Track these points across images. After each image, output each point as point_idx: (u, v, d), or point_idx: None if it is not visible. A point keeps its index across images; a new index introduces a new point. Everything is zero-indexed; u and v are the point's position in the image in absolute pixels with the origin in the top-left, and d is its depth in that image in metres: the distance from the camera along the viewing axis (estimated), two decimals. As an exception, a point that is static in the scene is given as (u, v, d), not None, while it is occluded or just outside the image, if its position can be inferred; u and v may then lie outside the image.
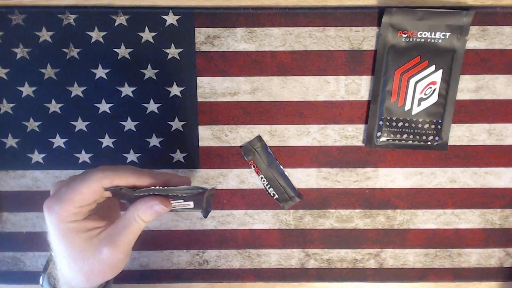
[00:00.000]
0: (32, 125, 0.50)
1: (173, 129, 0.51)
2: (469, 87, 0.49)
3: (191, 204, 0.39)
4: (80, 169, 0.51)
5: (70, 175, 0.38)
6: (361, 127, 0.51)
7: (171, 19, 0.48)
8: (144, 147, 0.51)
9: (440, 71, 0.48)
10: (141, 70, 0.49)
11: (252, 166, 0.51)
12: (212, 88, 0.50)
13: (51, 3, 0.47)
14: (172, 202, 0.38)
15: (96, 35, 0.48)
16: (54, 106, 0.50)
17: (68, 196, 0.35)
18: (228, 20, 0.48)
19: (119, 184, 0.36)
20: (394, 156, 0.51)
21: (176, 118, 0.50)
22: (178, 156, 0.51)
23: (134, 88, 0.50)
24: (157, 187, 0.36)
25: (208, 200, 0.39)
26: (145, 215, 0.36)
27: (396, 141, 0.50)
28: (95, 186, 0.35)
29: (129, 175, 0.36)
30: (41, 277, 0.42)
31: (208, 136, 0.51)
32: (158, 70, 0.49)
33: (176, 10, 0.47)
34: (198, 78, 0.49)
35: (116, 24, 0.48)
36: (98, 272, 0.37)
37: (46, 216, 0.35)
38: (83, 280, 0.37)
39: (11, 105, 0.50)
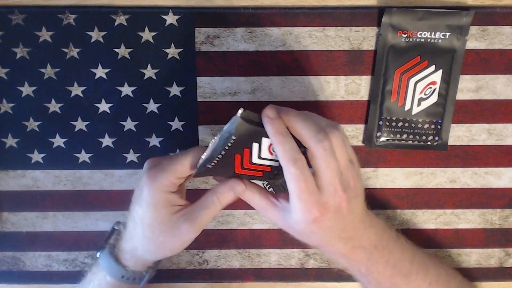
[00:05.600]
0: (32, 125, 0.50)
1: (173, 129, 0.51)
2: (469, 87, 0.49)
3: (266, 140, 0.37)
4: (80, 169, 0.51)
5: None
6: (361, 127, 0.51)
7: (171, 19, 0.48)
8: (144, 147, 0.51)
9: (440, 71, 0.48)
10: (141, 70, 0.49)
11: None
12: (212, 88, 0.50)
13: (51, 3, 0.47)
14: (254, 155, 0.38)
15: (96, 35, 0.48)
16: (54, 106, 0.50)
17: (172, 167, 0.39)
18: (228, 20, 0.48)
19: None
20: (394, 156, 0.51)
21: (176, 118, 0.50)
22: (178, 156, 0.51)
23: (134, 88, 0.50)
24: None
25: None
26: (224, 198, 0.40)
27: (396, 141, 0.50)
28: (194, 159, 0.39)
29: None
30: (98, 253, 0.45)
31: (208, 136, 0.51)
32: (158, 70, 0.49)
33: (176, 10, 0.47)
34: (198, 78, 0.49)
35: (116, 24, 0.48)
36: (169, 245, 0.40)
37: (148, 184, 0.39)
38: (153, 250, 0.41)
39: (11, 105, 0.50)
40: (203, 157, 0.38)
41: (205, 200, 0.40)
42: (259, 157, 0.38)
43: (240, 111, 0.36)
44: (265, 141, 0.38)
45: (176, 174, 0.39)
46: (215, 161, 0.37)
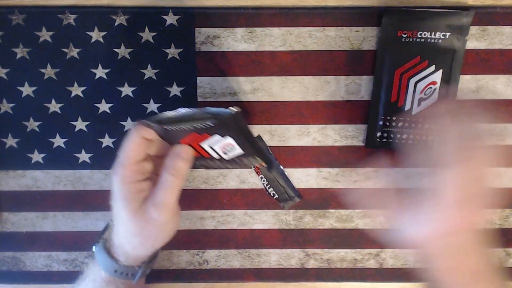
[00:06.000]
0: (32, 125, 0.50)
1: (173, 129, 0.51)
2: (469, 87, 0.49)
3: (230, 141, 0.38)
4: (80, 169, 0.51)
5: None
6: (361, 127, 0.51)
7: (171, 19, 0.48)
8: (144, 147, 0.51)
9: (440, 71, 0.48)
10: (141, 70, 0.49)
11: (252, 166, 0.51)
12: (212, 88, 0.50)
13: (51, 3, 0.47)
14: (207, 142, 0.38)
15: (96, 35, 0.48)
16: (54, 106, 0.50)
17: (123, 156, 0.39)
18: (228, 20, 0.48)
19: (154, 133, 0.40)
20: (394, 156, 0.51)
21: (176, 118, 0.50)
22: (178, 156, 0.51)
23: (134, 88, 0.50)
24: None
25: (260, 145, 0.40)
26: (175, 169, 0.39)
27: (396, 141, 0.50)
28: (137, 138, 0.39)
29: None
30: (94, 247, 0.45)
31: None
32: (158, 70, 0.49)
33: (176, 10, 0.47)
34: (198, 78, 0.49)
35: (116, 24, 0.48)
36: (148, 234, 0.40)
37: (113, 180, 0.40)
38: (137, 243, 0.41)
39: (11, 105, 0.50)
40: (168, 115, 0.38)
41: (161, 177, 0.40)
42: (210, 146, 0.40)
43: (236, 110, 0.36)
44: (228, 139, 0.38)
45: (130, 160, 0.39)
46: (175, 128, 0.38)
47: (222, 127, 0.37)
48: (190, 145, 0.40)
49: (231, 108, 0.36)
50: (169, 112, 0.38)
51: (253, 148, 0.39)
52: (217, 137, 0.38)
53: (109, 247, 0.43)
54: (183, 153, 0.40)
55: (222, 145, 0.39)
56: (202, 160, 0.42)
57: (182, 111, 0.38)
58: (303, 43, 0.48)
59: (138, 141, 0.39)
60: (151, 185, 0.41)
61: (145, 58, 0.49)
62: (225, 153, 0.40)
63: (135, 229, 0.40)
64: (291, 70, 0.49)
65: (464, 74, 0.49)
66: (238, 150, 0.39)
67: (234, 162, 0.41)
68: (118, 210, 0.41)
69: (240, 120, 0.37)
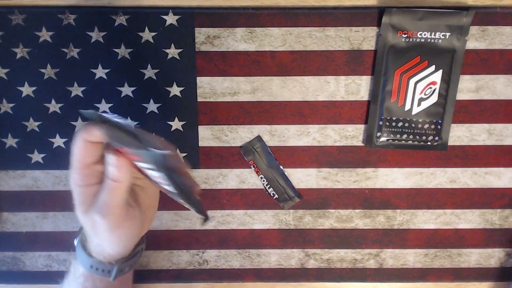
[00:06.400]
0: (32, 125, 0.50)
1: (173, 129, 0.51)
2: (469, 87, 0.49)
3: (161, 178, 0.36)
4: (80, 169, 0.51)
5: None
6: (361, 127, 0.51)
7: (171, 19, 0.48)
8: (144, 147, 0.51)
9: (440, 71, 0.48)
10: (141, 70, 0.49)
11: (252, 166, 0.51)
12: (212, 88, 0.50)
13: (51, 3, 0.47)
14: (140, 164, 0.36)
15: (96, 35, 0.48)
16: (54, 106, 0.50)
17: (73, 160, 0.38)
18: (228, 20, 0.48)
19: (97, 134, 0.37)
20: (394, 156, 0.51)
21: (176, 118, 0.50)
22: (178, 156, 0.51)
23: (134, 88, 0.50)
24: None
25: (188, 193, 0.37)
26: (113, 174, 0.38)
27: (396, 141, 0.50)
28: (80, 143, 0.38)
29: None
30: (74, 239, 0.44)
31: (208, 136, 0.51)
32: (158, 70, 0.49)
33: (176, 10, 0.47)
34: (198, 78, 0.49)
35: (116, 24, 0.48)
36: (106, 238, 0.39)
37: (70, 184, 0.39)
38: (97, 243, 0.41)
39: (11, 105, 0.50)
40: (114, 119, 0.36)
41: (104, 183, 0.38)
42: (144, 168, 0.37)
43: (166, 152, 0.34)
44: (159, 175, 0.36)
45: (80, 165, 0.38)
46: (116, 135, 0.36)
47: (152, 163, 0.35)
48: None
49: (162, 150, 0.34)
50: (117, 116, 0.36)
51: (186, 196, 0.37)
52: (150, 165, 0.36)
53: (84, 242, 0.42)
54: (117, 162, 0.37)
55: (153, 177, 0.37)
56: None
57: (125, 122, 0.36)
58: (303, 43, 0.48)
59: (82, 145, 0.38)
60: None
61: (145, 58, 0.49)
62: (159, 183, 0.38)
63: (89, 231, 0.40)
64: (291, 70, 0.49)
65: (464, 74, 0.49)
66: (170, 188, 0.37)
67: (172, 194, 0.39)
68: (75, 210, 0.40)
69: (169, 163, 0.34)
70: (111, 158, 0.38)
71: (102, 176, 0.39)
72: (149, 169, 0.36)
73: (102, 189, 0.38)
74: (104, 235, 0.39)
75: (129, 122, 0.36)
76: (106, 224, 0.38)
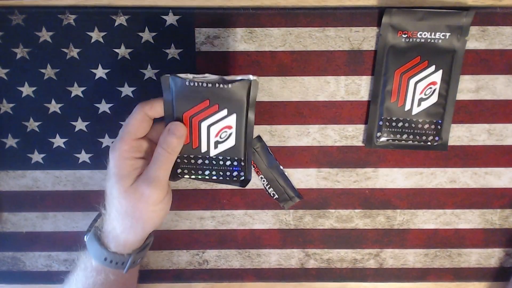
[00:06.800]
0: (32, 125, 0.50)
1: (173, 129, 0.51)
2: (469, 87, 0.49)
3: (232, 122, 0.41)
4: (80, 169, 0.51)
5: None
6: (361, 127, 0.51)
7: (171, 19, 0.48)
8: (144, 147, 0.51)
9: (440, 71, 0.48)
10: (141, 70, 0.49)
11: (252, 166, 0.51)
12: (212, 88, 0.49)
13: (51, 3, 0.47)
14: (209, 119, 0.40)
15: (96, 35, 0.48)
16: (54, 106, 0.50)
17: (124, 131, 0.40)
18: (228, 20, 0.48)
19: (158, 109, 0.41)
20: (394, 156, 0.51)
21: (176, 118, 0.50)
22: (178, 156, 0.51)
23: (134, 88, 0.50)
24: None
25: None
26: (168, 144, 0.40)
27: (396, 141, 0.50)
28: (140, 115, 0.40)
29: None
30: (85, 236, 0.45)
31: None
32: (158, 70, 0.49)
33: (176, 10, 0.47)
34: (198, 78, 0.49)
35: (116, 24, 0.48)
36: (140, 214, 0.40)
37: (110, 156, 0.40)
38: (129, 225, 0.41)
39: (11, 105, 0.50)
40: (194, 75, 0.40)
41: (154, 154, 0.40)
42: (208, 127, 0.41)
43: (254, 77, 0.40)
44: (230, 119, 0.41)
45: (131, 136, 0.40)
46: (197, 83, 0.40)
47: (237, 94, 0.40)
48: (188, 123, 0.41)
49: (250, 76, 0.40)
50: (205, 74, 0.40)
51: (245, 139, 0.41)
52: (223, 113, 0.39)
53: (99, 235, 0.43)
54: (176, 130, 0.40)
55: (221, 128, 0.40)
56: (185, 160, 0.43)
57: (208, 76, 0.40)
58: (303, 43, 0.48)
59: (141, 117, 0.40)
60: (145, 165, 0.41)
61: (145, 58, 0.49)
62: (216, 145, 0.41)
63: (126, 208, 0.40)
64: (291, 70, 0.49)
65: (464, 74, 0.49)
66: (230, 141, 0.40)
67: (214, 166, 0.43)
68: (110, 189, 0.41)
69: (254, 89, 0.40)
70: (174, 126, 0.40)
71: (145, 152, 0.41)
72: (217, 123, 0.40)
73: (151, 162, 0.40)
74: (147, 210, 0.40)
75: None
76: (155, 196, 0.40)
